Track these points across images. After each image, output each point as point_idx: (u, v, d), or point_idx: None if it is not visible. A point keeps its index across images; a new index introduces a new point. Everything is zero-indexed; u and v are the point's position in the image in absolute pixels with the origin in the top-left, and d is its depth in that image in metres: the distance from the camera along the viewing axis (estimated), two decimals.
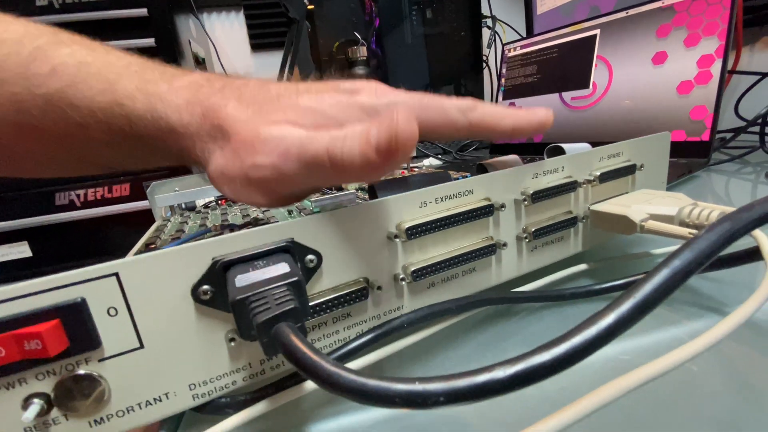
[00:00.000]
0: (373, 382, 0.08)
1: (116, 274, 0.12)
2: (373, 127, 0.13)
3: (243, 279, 0.12)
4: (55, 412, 0.12)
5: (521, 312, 0.20)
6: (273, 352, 0.10)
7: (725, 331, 0.10)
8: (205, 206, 0.39)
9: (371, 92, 0.17)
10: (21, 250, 0.63)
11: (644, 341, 0.17)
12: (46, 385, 0.12)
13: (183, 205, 0.40)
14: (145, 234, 0.32)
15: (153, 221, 0.38)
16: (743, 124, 0.51)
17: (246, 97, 0.16)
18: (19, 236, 0.63)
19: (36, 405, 0.12)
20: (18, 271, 0.63)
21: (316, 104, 0.16)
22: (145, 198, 0.56)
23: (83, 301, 0.12)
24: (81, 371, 0.12)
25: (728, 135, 0.53)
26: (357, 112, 0.17)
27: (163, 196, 0.35)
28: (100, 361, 0.12)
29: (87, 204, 0.63)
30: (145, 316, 0.12)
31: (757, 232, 0.15)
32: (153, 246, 0.25)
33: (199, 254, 0.13)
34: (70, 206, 0.63)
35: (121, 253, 0.13)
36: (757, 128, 0.49)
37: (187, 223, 0.31)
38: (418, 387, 0.08)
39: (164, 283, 0.12)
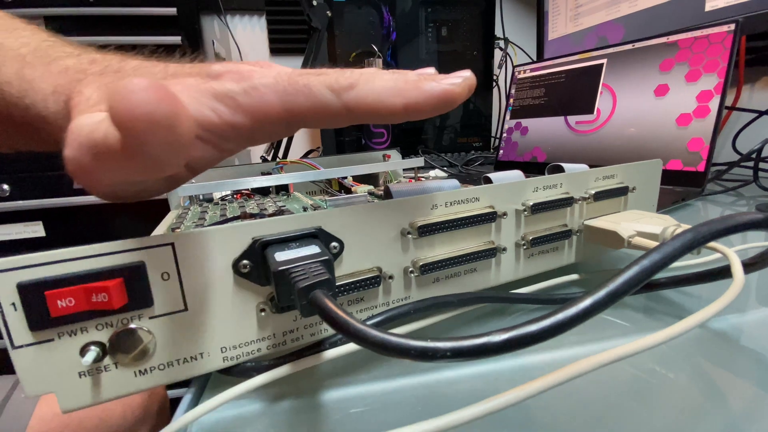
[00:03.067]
0: (393, 338, 0.10)
1: (172, 244, 0.14)
2: None
3: (282, 255, 0.14)
4: (107, 360, 0.14)
5: (517, 312, 0.22)
6: (309, 314, 0.12)
7: (672, 334, 0.12)
8: (222, 199, 0.41)
9: (234, 76, 0.14)
10: (35, 230, 0.65)
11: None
12: (104, 335, 0.14)
13: (201, 196, 0.42)
14: (166, 219, 0.34)
15: (165, 210, 0.40)
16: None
17: (110, 81, 0.15)
18: (35, 216, 0.65)
19: (93, 352, 0.14)
20: (30, 250, 0.65)
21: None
22: None
23: (143, 264, 0.14)
24: (134, 325, 0.14)
25: (724, 167, 0.55)
26: (208, 99, 0.14)
27: (185, 185, 0.37)
28: (150, 318, 0.14)
29: None
30: (192, 283, 0.14)
31: (726, 250, 0.17)
32: (178, 230, 0.27)
33: (242, 233, 0.15)
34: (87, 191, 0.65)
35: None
36: (751, 163, 0.51)
37: (207, 213, 0.33)
38: (430, 344, 0.10)
39: (210, 255, 0.14)
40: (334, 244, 0.16)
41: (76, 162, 0.12)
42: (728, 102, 0.62)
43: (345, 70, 0.15)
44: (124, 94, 0.09)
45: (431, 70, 0.17)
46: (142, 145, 0.10)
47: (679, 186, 0.46)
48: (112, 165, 0.12)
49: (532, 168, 0.66)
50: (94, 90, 0.14)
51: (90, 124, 0.12)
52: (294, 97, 0.14)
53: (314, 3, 0.69)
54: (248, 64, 0.15)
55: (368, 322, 0.17)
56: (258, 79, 0.14)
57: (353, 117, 0.14)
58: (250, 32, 1.03)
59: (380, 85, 0.14)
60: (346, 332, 0.10)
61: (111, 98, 0.09)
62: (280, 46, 1.04)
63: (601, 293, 0.10)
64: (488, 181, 0.24)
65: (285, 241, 0.15)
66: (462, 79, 0.14)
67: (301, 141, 1.10)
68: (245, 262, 0.15)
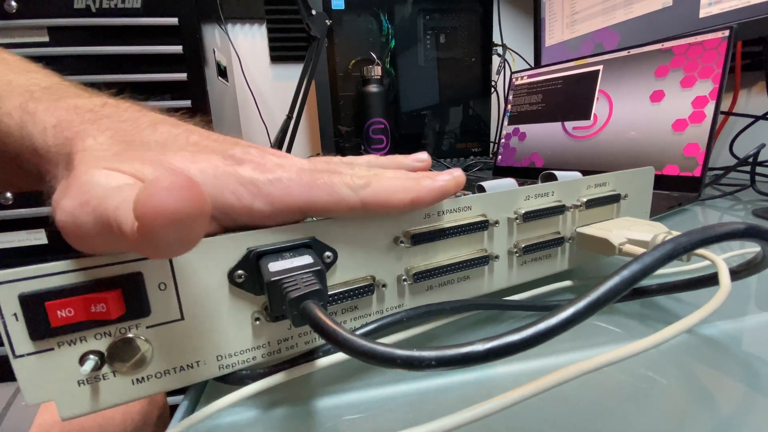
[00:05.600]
0: (380, 347, 0.10)
1: None
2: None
3: (276, 265, 0.14)
4: (105, 369, 0.14)
5: (509, 319, 0.22)
6: (300, 324, 0.12)
7: (657, 341, 0.12)
8: None
9: (258, 165, 0.15)
10: (38, 237, 0.66)
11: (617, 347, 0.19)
12: (102, 345, 0.14)
13: None
14: None
15: None
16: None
17: (124, 133, 0.15)
18: (37, 224, 0.66)
19: (91, 361, 0.14)
20: (33, 257, 0.66)
21: (186, 165, 0.14)
22: None
23: (140, 275, 0.14)
24: (132, 335, 0.14)
25: (721, 172, 0.55)
26: (233, 184, 0.14)
27: None
28: (148, 327, 0.14)
29: None
30: (188, 293, 0.15)
31: (714, 257, 0.17)
32: None
33: (237, 243, 0.15)
34: None
35: None
36: (748, 167, 0.51)
37: None
38: (415, 353, 0.10)
39: (206, 265, 0.15)
40: (327, 253, 0.17)
41: (73, 217, 0.12)
42: (725, 107, 0.63)
43: (355, 169, 0.16)
44: (154, 191, 0.09)
45: (424, 155, 0.22)
46: (157, 238, 0.09)
47: (676, 191, 0.47)
48: (111, 238, 0.12)
49: (531, 173, 0.66)
50: (110, 140, 0.14)
51: (105, 186, 0.12)
52: (317, 191, 0.15)
53: (313, 12, 0.70)
54: (267, 152, 0.16)
55: (361, 331, 0.17)
56: (282, 173, 0.15)
57: (367, 211, 0.16)
58: (250, 40, 1.05)
59: (389, 184, 0.16)
60: (335, 342, 0.11)
61: (141, 193, 0.09)
62: (279, 54, 1.06)
63: (581, 304, 0.11)
64: (481, 189, 0.24)
65: (279, 252, 0.15)
66: (452, 177, 0.17)
67: (301, 148, 1.11)
68: (240, 272, 0.15)
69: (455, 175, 0.17)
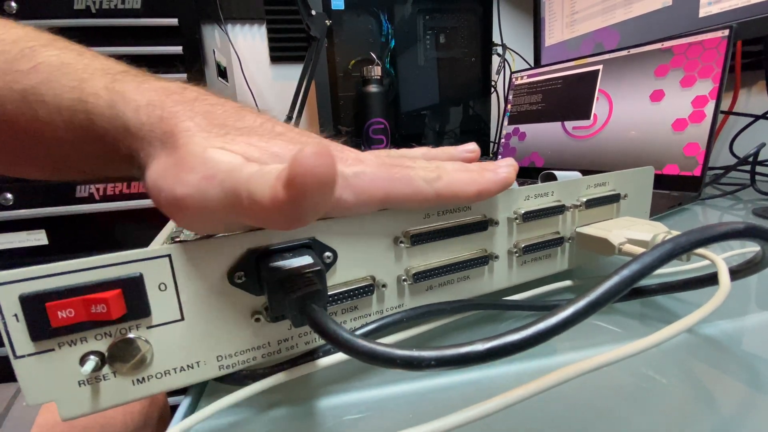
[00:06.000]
0: (380, 348, 0.10)
1: (169, 256, 0.14)
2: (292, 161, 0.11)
3: (276, 266, 0.14)
4: (106, 369, 0.14)
5: (510, 318, 0.22)
6: (300, 324, 0.12)
7: (656, 341, 0.12)
8: None
9: (341, 159, 0.16)
10: (38, 238, 0.66)
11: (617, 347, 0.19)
12: (102, 345, 0.14)
13: None
14: (166, 228, 0.34)
15: (167, 219, 0.40)
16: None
17: (216, 116, 0.16)
18: (38, 224, 0.66)
19: (92, 361, 0.14)
20: (33, 258, 0.66)
21: (283, 152, 0.15)
22: None
23: (141, 276, 0.14)
24: (132, 335, 0.14)
25: (721, 171, 0.55)
26: None
27: None
28: (148, 328, 0.15)
29: (106, 198, 0.66)
30: (188, 293, 0.15)
31: (714, 257, 0.17)
32: (178, 239, 0.28)
33: (237, 244, 0.15)
34: (90, 199, 0.66)
35: (135, 246, 0.14)
36: (748, 166, 0.51)
37: None
38: (414, 353, 0.10)
39: (206, 266, 0.15)
40: (327, 253, 0.17)
41: (198, 191, 0.13)
42: (725, 106, 0.63)
43: (425, 164, 0.18)
44: (308, 155, 0.10)
45: (473, 146, 0.24)
46: (304, 200, 0.11)
47: (676, 190, 0.47)
48: (237, 209, 0.13)
49: (531, 173, 0.66)
50: (206, 122, 0.15)
51: (229, 162, 0.13)
52: (396, 184, 0.16)
53: (313, 12, 0.70)
54: (344, 148, 0.17)
55: (361, 331, 0.17)
56: (364, 167, 0.16)
57: (439, 202, 0.17)
58: (250, 41, 1.05)
59: (459, 177, 0.18)
60: (335, 342, 0.11)
61: (297, 156, 0.10)
62: (279, 54, 1.06)
63: (581, 303, 0.11)
64: None
65: (279, 252, 0.15)
66: (511, 168, 0.19)
67: None
68: (240, 272, 0.15)
69: (512, 165, 0.19)
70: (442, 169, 0.18)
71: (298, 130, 0.18)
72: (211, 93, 0.18)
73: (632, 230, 0.22)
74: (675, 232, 0.21)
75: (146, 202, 0.67)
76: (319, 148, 0.10)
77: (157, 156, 0.15)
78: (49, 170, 0.21)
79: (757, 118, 0.56)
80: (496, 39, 0.94)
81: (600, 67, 0.58)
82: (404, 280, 0.19)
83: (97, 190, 0.66)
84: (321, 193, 0.10)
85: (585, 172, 0.24)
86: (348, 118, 0.87)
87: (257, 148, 0.15)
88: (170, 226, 0.34)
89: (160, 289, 0.14)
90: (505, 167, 0.19)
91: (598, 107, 0.57)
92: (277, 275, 0.14)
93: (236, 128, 0.16)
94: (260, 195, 0.11)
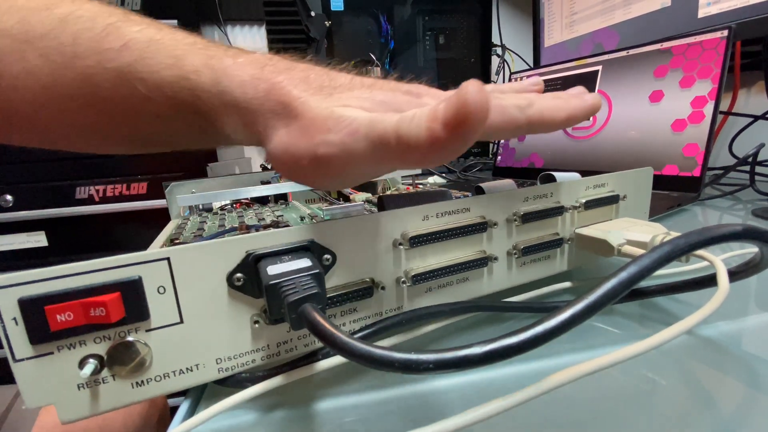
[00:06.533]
0: (378, 351, 0.10)
1: (168, 259, 0.14)
2: (441, 103, 0.12)
3: (274, 269, 0.14)
4: (105, 372, 0.14)
5: (509, 320, 0.22)
6: (298, 327, 0.12)
7: (654, 343, 0.12)
8: (221, 208, 0.42)
9: (434, 95, 0.18)
10: (38, 240, 0.66)
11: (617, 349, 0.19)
12: (101, 348, 0.14)
13: (201, 206, 0.42)
14: (165, 229, 0.34)
15: (166, 220, 0.40)
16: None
17: (312, 80, 0.17)
18: (38, 226, 0.66)
19: (91, 364, 0.14)
20: (33, 259, 0.66)
21: (389, 99, 0.17)
22: (160, 197, 0.59)
23: (140, 279, 0.14)
24: (131, 338, 0.14)
25: (720, 172, 0.55)
26: None
27: (185, 196, 0.37)
28: (147, 331, 0.15)
29: (105, 199, 0.66)
30: (187, 296, 0.15)
31: (713, 258, 0.17)
32: (178, 241, 0.28)
33: (236, 247, 0.15)
34: (89, 200, 0.66)
35: (135, 248, 0.14)
36: (747, 167, 0.51)
37: (206, 223, 0.34)
38: (413, 356, 0.10)
39: (205, 269, 0.15)
40: (326, 256, 0.17)
41: (345, 147, 0.15)
42: (724, 107, 0.63)
43: (517, 94, 0.19)
44: (474, 96, 0.11)
45: (537, 78, 0.24)
46: (466, 131, 0.12)
47: (675, 191, 0.47)
48: (385, 157, 0.14)
49: (530, 174, 0.66)
50: (308, 87, 0.16)
51: (363, 116, 0.15)
52: (492, 114, 0.17)
53: (312, 13, 0.70)
54: (427, 86, 0.18)
55: (360, 333, 0.17)
56: None
57: (530, 128, 0.18)
58: (250, 42, 1.05)
59: (548, 103, 0.18)
60: (333, 345, 0.11)
61: (462, 91, 0.11)
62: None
63: (580, 305, 0.11)
64: (480, 190, 0.24)
65: (277, 254, 0.15)
66: (595, 95, 0.20)
67: None
68: (239, 275, 0.15)
69: (594, 95, 0.20)
70: (533, 96, 0.18)
71: (375, 79, 0.19)
72: (288, 59, 0.19)
73: (631, 231, 0.22)
74: (674, 234, 0.21)
75: (144, 204, 0.67)
76: (479, 85, 0.11)
77: (276, 126, 0.16)
78: (138, 145, 0.21)
79: (756, 118, 0.56)
80: (495, 40, 0.94)
81: (599, 67, 0.58)
82: (403, 282, 0.19)
83: (97, 191, 0.66)
84: (479, 125, 0.12)
85: (584, 173, 0.24)
86: None
87: (366, 99, 0.16)
88: (170, 227, 0.34)
89: (159, 292, 0.14)
90: (591, 94, 0.20)
91: None
92: (275, 278, 0.14)
93: (334, 87, 0.17)
94: (415, 137, 0.13)
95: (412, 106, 0.16)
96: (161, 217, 0.44)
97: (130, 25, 0.18)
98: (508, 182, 0.24)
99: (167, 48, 0.17)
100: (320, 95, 0.16)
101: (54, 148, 0.21)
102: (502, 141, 0.72)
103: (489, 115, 0.12)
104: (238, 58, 0.17)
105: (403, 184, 0.49)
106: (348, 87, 0.17)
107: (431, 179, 0.63)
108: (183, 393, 0.17)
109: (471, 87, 0.11)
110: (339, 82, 0.17)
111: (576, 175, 0.25)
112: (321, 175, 0.16)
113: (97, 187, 0.66)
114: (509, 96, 0.18)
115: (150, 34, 0.17)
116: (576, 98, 0.19)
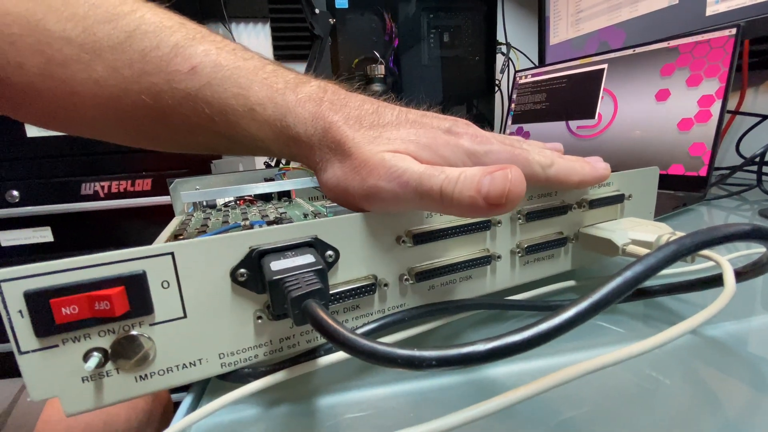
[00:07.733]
0: (381, 347, 0.10)
1: (172, 254, 0.14)
2: (485, 177, 0.14)
3: (278, 264, 0.14)
4: (109, 366, 0.14)
5: (512, 318, 0.22)
6: (302, 323, 0.12)
7: (658, 342, 0.12)
8: (225, 205, 0.42)
9: (472, 137, 0.18)
10: (43, 235, 0.66)
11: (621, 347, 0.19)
12: (106, 342, 0.14)
13: (204, 203, 0.42)
14: (170, 225, 0.34)
15: (170, 216, 0.41)
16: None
17: (364, 119, 0.18)
18: (44, 222, 0.66)
19: (95, 357, 0.14)
20: (38, 254, 0.67)
21: (431, 142, 0.18)
22: (165, 193, 0.59)
23: (144, 273, 0.14)
24: (135, 332, 0.14)
25: (727, 171, 0.55)
26: (462, 155, 0.18)
27: (189, 192, 0.37)
28: (151, 325, 0.15)
29: (110, 195, 0.66)
30: (191, 291, 0.15)
31: (720, 258, 0.17)
32: (181, 236, 0.28)
33: (240, 242, 0.15)
34: (95, 196, 0.66)
35: (139, 243, 0.14)
36: (755, 167, 0.51)
37: (210, 219, 0.34)
38: (416, 353, 0.10)
39: (209, 264, 0.15)
40: (329, 252, 0.17)
41: (395, 195, 0.16)
42: (731, 106, 0.62)
43: (538, 149, 0.20)
44: (516, 184, 0.14)
45: (558, 145, 0.24)
46: (492, 212, 0.15)
47: (681, 191, 0.46)
48: (427, 206, 0.16)
49: None
50: (359, 126, 0.18)
51: (412, 168, 0.16)
52: (517, 164, 0.18)
53: (317, 11, 0.70)
54: (469, 125, 0.19)
55: (362, 330, 0.17)
56: (491, 146, 0.18)
57: (547, 185, 0.20)
58: (254, 39, 1.05)
59: (567, 165, 0.20)
60: (336, 341, 0.11)
61: (500, 182, 0.14)
62: (283, 53, 1.06)
63: (584, 304, 0.11)
64: None
65: (281, 250, 0.15)
66: (606, 166, 0.22)
67: None
68: (242, 270, 0.15)
69: (606, 165, 0.22)
70: (554, 156, 0.20)
71: (424, 113, 0.20)
72: (343, 90, 0.20)
73: (636, 231, 0.22)
74: (680, 233, 0.21)
75: (149, 200, 0.67)
76: (516, 173, 0.14)
77: (332, 161, 0.18)
78: (185, 150, 0.22)
79: (764, 118, 0.56)
80: (500, 38, 0.94)
81: (605, 66, 0.58)
82: (406, 279, 0.19)
83: (102, 188, 0.66)
84: (514, 205, 0.14)
85: None
86: None
87: (412, 143, 0.18)
88: (174, 224, 0.35)
89: (163, 286, 0.14)
90: (603, 164, 0.22)
91: (603, 106, 0.57)
92: (279, 274, 0.14)
93: (383, 126, 0.18)
94: (458, 200, 0.15)
95: (451, 149, 0.18)
96: (165, 213, 0.44)
97: (194, 45, 0.18)
98: None
99: (232, 76, 0.18)
100: (371, 133, 0.18)
101: (86, 136, 0.22)
102: None
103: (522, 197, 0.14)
104: (299, 94, 0.18)
105: None
106: (395, 125, 0.18)
107: None
108: (186, 388, 0.18)
109: (513, 175, 0.14)
110: (386, 120, 0.18)
111: None
112: (368, 207, 0.18)
113: (102, 184, 0.66)
114: (534, 150, 0.19)
115: (214, 57, 0.18)
116: (589, 165, 0.21)
